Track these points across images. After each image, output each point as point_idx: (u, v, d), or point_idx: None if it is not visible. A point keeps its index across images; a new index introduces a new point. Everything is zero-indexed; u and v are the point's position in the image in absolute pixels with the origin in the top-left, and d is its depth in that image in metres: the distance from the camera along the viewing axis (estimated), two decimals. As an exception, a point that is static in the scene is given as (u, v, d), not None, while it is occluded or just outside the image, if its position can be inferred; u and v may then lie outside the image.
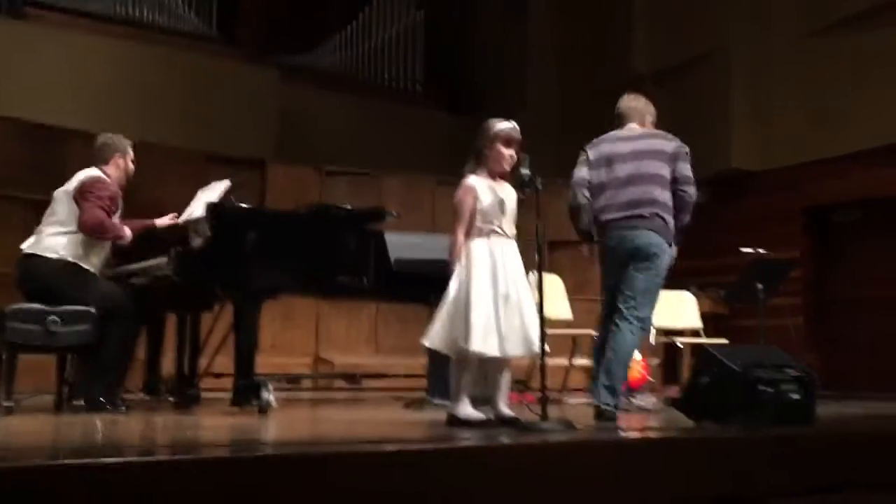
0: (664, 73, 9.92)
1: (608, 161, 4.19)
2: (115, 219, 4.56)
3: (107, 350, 4.37)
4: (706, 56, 9.36)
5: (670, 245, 4.11)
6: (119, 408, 4.29)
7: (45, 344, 4.18)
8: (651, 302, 4.09)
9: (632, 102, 4.38)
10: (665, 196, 4.10)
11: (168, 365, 5.16)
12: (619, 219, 4.09)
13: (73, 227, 4.43)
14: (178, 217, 4.84)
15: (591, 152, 4.27)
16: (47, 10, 9.53)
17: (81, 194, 4.45)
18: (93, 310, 4.30)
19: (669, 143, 4.18)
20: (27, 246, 4.50)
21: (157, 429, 3.40)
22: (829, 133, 8.51)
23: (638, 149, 4.17)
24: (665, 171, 4.11)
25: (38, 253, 4.41)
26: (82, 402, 4.16)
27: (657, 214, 4.06)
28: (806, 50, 8.78)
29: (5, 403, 4.03)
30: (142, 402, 4.80)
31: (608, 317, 4.14)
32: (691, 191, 4.14)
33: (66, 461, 2.08)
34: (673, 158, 4.13)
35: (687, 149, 4.22)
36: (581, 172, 4.26)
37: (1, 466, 1.97)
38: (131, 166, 4.77)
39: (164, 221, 4.89)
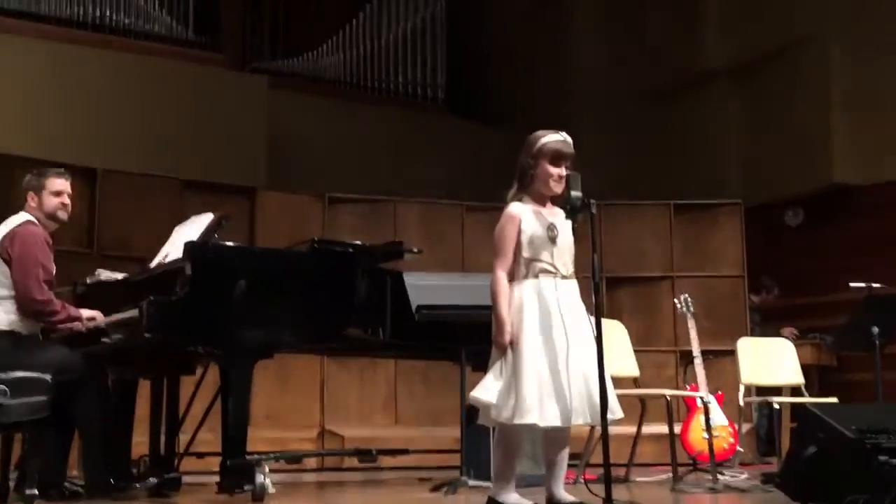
0: (743, 69, 9.92)
1: None
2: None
3: (83, 427, 4.47)
4: (796, 46, 9.34)
5: None
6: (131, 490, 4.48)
7: (-10, 419, 4.19)
8: None
9: None
10: None
11: (140, 443, 5.16)
12: None
13: (3, 292, 4.39)
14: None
15: None
16: (-12, 13, 9.73)
17: (12, 256, 4.39)
18: (48, 377, 4.28)
19: None
20: None
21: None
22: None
23: None
24: None
25: None
26: (35, 492, 4.15)
27: None
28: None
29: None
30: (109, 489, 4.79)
31: None
32: None
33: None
34: None
35: None
36: None
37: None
38: (50, 203, 4.60)
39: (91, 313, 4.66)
